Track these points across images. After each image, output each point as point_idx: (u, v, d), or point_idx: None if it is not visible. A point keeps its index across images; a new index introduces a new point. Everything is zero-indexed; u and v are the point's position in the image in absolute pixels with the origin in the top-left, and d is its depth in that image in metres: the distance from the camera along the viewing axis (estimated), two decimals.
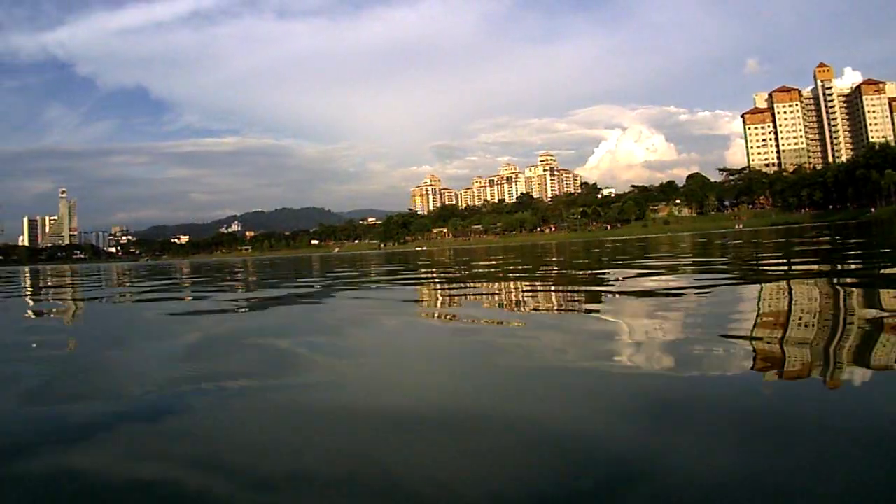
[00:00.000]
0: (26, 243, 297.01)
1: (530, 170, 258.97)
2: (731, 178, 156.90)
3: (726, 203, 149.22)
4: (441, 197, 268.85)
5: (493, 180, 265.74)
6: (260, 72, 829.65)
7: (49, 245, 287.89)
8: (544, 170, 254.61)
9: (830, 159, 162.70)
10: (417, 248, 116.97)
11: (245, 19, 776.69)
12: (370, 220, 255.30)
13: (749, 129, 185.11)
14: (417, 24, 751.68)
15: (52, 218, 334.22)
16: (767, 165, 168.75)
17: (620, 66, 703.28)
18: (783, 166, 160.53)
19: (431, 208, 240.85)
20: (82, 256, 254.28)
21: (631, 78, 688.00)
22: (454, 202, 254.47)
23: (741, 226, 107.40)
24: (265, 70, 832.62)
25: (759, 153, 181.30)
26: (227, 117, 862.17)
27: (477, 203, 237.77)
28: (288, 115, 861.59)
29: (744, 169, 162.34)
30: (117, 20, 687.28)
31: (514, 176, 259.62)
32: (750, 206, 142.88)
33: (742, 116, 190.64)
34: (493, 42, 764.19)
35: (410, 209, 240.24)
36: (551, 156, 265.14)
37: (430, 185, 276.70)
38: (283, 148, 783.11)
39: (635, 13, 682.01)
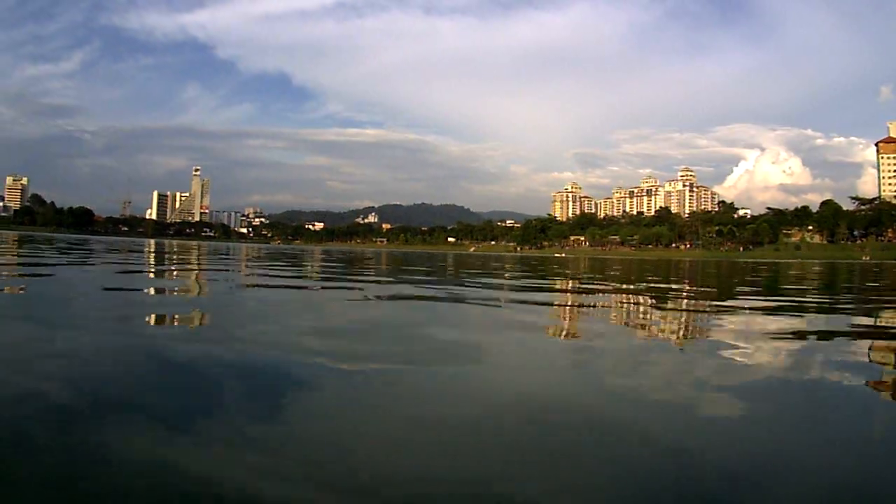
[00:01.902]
0: (154, 217, 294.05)
1: (670, 184, 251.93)
2: (863, 207, 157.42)
3: (855, 233, 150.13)
4: (580, 204, 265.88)
5: (633, 192, 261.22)
6: (405, 66, 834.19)
7: (177, 221, 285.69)
8: (683, 185, 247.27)
9: None
10: (556, 255, 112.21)
11: (391, 13, 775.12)
12: (508, 222, 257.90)
13: (882, 158, 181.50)
14: (565, 29, 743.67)
15: (183, 194, 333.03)
16: None
17: (761, 85, 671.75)
18: None
19: (570, 215, 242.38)
20: (212, 234, 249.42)
21: (771, 97, 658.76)
22: (593, 211, 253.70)
23: (868, 258, 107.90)
24: (411, 65, 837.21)
25: (889, 184, 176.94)
26: (371, 109, 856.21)
27: (615, 213, 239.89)
28: (432, 110, 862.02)
29: (875, 199, 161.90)
30: (260, 6, 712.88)
31: (653, 189, 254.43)
32: (879, 238, 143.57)
33: (876, 145, 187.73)
34: (638, 51, 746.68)
35: (549, 214, 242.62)
36: (691, 172, 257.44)
37: (571, 191, 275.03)
38: (426, 143, 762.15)
39: (777, 31, 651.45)
